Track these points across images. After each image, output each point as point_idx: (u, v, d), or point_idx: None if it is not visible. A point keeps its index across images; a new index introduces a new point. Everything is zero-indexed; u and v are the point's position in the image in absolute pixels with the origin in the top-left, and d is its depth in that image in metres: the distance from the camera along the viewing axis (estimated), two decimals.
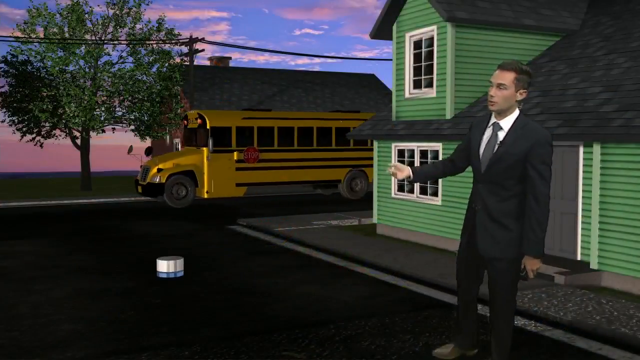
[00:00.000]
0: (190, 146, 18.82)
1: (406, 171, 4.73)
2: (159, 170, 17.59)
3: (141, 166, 18.42)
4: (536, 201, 4.15)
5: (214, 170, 17.91)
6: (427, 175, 4.81)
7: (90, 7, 23.27)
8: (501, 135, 4.29)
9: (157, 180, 17.45)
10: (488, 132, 4.40)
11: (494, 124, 4.37)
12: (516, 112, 4.28)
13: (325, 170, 19.74)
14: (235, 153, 18.17)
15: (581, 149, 8.80)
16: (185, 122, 19.02)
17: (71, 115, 22.16)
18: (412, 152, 11.72)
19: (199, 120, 18.12)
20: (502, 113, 4.29)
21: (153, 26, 23.51)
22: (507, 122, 4.28)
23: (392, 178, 12.24)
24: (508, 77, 4.19)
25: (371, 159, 20.43)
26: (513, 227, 4.28)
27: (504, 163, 4.22)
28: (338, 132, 19.93)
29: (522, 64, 4.24)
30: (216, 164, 17.94)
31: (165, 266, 8.54)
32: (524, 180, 4.26)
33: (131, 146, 19.19)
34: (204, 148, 17.89)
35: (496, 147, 4.28)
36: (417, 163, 11.60)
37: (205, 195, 17.86)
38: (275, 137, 18.80)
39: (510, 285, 4.36)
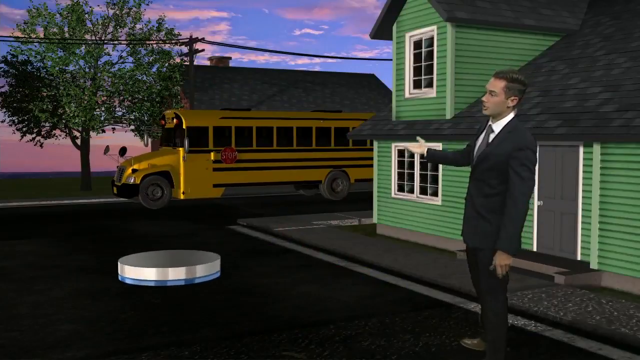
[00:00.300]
0: (167, 146, 18.59)
1: (422, 148, 5.24)
2: (134, 170, 17.36)
3: (117, 167, 18.20)
4: (512, 200, 4.35)
5: (191, 170, 17.69)
6: (438, 158, 5.27)
7: (90, 7, 23.27)
8: (492, 137, 4.59)
9: (132, 181, 17.23)
10: (484, 134, 4.71)
11: (488, 126, 4.69)
12: (509, 117, 4.55)
13: (306, 170, 19.54)
14: (212, 153, 17.93)
15: (581, 149, 8.80)
16: (163, 121, 18.72)
17: (71, 115, 22.17)
18: (412, 152, 11.72)
19: (175, 120, 17.84)
20: (496, 117, 4.59)
21: (153, 26, 23.52)
22: (499, 126, 4.57)
23: (393, 178, 12.25)
24: (499, 85, 4.51)
25: (353, 159, 20.38)
26: (494, 221, 4.56)
27: (487, 163, 4.54)
28: (318, 132, 19.69)
29: (516, 72, 4.50)
30: (193, 165, 17.71)
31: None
32: (507, 181, 4.51)
33: (107, 146, 18.97)
34: (180, 148, 17.67)
35: (485, 147, 4.60)
36: (417, 163, 11.60)
37: (182, 197, 17.65)
38: (254, 138, 18.57)
39: (490, 271, 4.58)
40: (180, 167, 17.66)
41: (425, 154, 5.26)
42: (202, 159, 17.84)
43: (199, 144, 17.78)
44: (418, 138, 5.30)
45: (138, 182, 17.24)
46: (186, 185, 17.64)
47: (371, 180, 20.91)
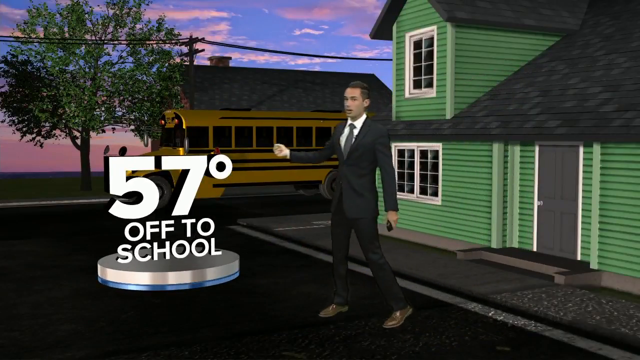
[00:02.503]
0: (167, 146, 18.51)
1: (284, 151, 6.38)
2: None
3: None
4: (387, 173, 6.00)
5: None
6: (300, 159, 6.50)
7: (90, 7, 23.28)
8: (355, 132, 6.10)
9: None
10: (346, 131, 6.17)
11: (350, 124, 6.17)
12: (364, 116, 6.15)
13: (306, 170, 19.42)
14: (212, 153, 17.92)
15: (581, 149, 8.80)
16: (163, 122, 18.70)
17: (71, 115, 22.17)
18: (412, 152, 11.72)
19: (175, 120, 17.77)
20: (356, 117, 6.10)
21: (153, 26, 23.52)
22: (359, 123, 6.12)
23: None
24: (357, 92, 6.05)
25: None
26: (368, 195, 6.07)
27: (358, 152, 6.03)
28: (319, 132, 19.66)
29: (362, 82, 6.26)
30: None
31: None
32: (372, 163, 6.08)
33: (107, 146, 18.79)
34: (180, 148, 17.56)
35: (353, 140, 6.08)
36: (417, 163, 11.60)
37: None
38: (254, 137, 18.52)
39: (372, 237, 6.09)
40: None
41: (288, 156, 6.39)
42: None
43: (199, 143, 17.72)
44: (276, 145, 6.38)
45: None
46: None
47: None
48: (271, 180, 18.91)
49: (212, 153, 17.87)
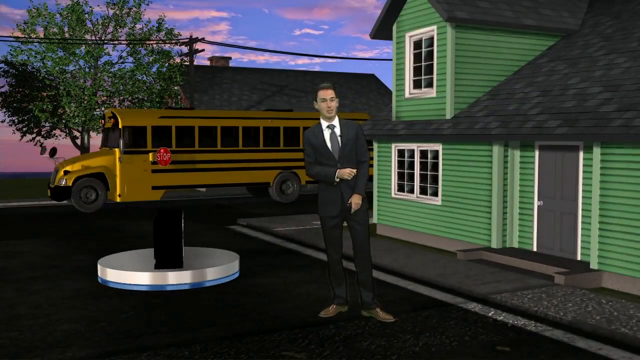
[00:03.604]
0: (105, 147, 17.66)
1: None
2: (66, 172, 16.51)
3: (54, 168, 17.16)
4: (365, 161, 6.30)
5: (127, 172, 16.78)
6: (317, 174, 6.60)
7: (90, 7, 23.28)
8: (337, 131, 6.28)
9: (64, 183, 16.34)
10: (327, 133, 6.28)
11: (328, 125, 6.29)
12: (336, 115, 6.38)
13: (253, 172, 18.69)
14: (150, 154, 17.00)
15: (581, 149, 8.80)
16: (103, 121, 17.86)
17: (71, 115, 22.17)
18: (412, 152, 11.72)
19: (112, 120, 16.98)
20: (332, 117, 6.27)
21: (153, 26, 23.52)
22: (336, 122, 6.32)
23: (393, 178, 12.25)
24: (333, 92, 6.23)
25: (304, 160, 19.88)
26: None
27: (348, 147, 6.25)
28: (267, 132, 18.82)
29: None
30: (129, 166, 16.79)
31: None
32: (355, 156, 6.30)
33: (44, 147, 17.93)
34: (117, 149, 16.79)
35: (339, 139, 6.26)
36: (417, 163, 11.60)
37: (118, 199, 16.79)
38: (196, 138, 17.71)
39: (368, 229, 6.37)
40: (116, 168, 16.78)
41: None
42: (140, 160, 16.94)
43: (137, 144, 16.88)
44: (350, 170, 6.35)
45: (70, 184, 16.37)
46: (122, 188, 16.79)
47: None
48: (216, 182, 18.14)
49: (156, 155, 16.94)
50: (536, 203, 9.61)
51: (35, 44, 22.39)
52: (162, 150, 16.94)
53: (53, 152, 17.40)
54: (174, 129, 17.43)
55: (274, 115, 19.12)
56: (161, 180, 17.28)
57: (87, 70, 22.72)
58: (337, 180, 6.20)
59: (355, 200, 6.21)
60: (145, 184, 17.10)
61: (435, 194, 11.22)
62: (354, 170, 6.22)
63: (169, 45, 23.86)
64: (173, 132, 17.41)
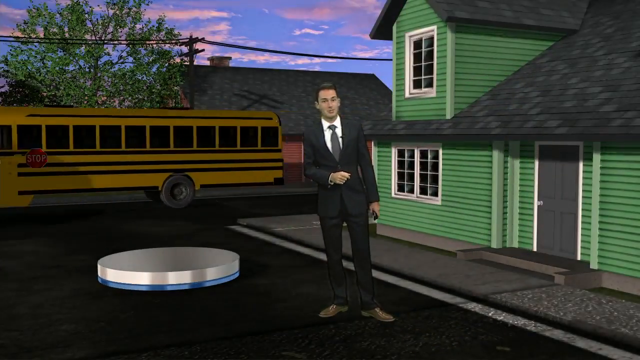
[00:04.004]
0: None
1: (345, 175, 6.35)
2: None
3: None
4: (370, 165, 6.28)
5: None
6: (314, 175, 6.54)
7: (90, 7, 23.29)
8: (338, 131, 6.20)
9: None
10: (328, 133, 6.20)
11: (329, 126, 6.21)
12: (337, 115, 6.28)
13: (138, 175, 17.09)
14: (17, 156, 15.37)
15: (581, 149, 8.80)
16: None
17: None
18: (412, 152, 11.72)
19: None
20: (334, 117, 6.18)
21: (153, 26, 23.53)
22: (337, 122, 6.23)
23: (392, 178, 12.26)
24: (335, 92, 6.13)
25: (198, 162, 17.95)
26: (361, 189, 6.29)
27: (349, 148, 6.18)
28: (154, 132, 17.24)
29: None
30: None
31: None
32: (356, 157, 6.24)
33: None
34: None
35: (340, 139, 6.18)
36: (417, 163, 11.60)
37: None
38: (71, 138, 16.08)
39: (368, 230, 6.33)
40: None
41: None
42: (5, 163, 15.29)
43: (1, 145, 15.27)
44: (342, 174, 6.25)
45: None
46: None
47: (221, 185, 18.38)
48: (94, 186, 16.58)
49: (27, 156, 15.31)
50: (536, 203, 9.61)
51: (35, 44, 22.39)
52: (35, 152, 15.65)
53: None
54: (44, 128, 15.84)
55: (162, 113, 17.55)
56: (29, 184, 15.67)
57: (87, 70, 22.73)
58: (331, 183, 6.14)
59: (376, 208, 6.31)
60: (11, 189, 15.46)
61: (435, 193, 11.22)
62: (347, 175, 6.12)
63: (169, 45, 23.86)
64: (43, 131, 15.82)
